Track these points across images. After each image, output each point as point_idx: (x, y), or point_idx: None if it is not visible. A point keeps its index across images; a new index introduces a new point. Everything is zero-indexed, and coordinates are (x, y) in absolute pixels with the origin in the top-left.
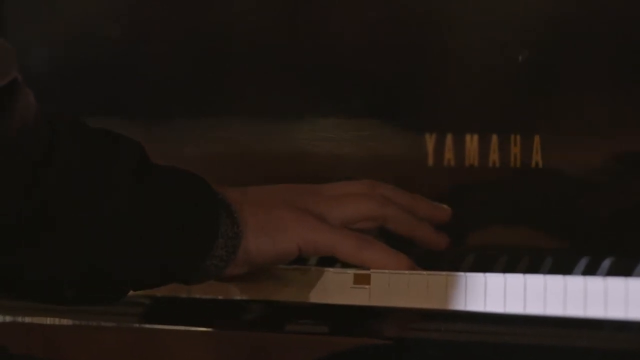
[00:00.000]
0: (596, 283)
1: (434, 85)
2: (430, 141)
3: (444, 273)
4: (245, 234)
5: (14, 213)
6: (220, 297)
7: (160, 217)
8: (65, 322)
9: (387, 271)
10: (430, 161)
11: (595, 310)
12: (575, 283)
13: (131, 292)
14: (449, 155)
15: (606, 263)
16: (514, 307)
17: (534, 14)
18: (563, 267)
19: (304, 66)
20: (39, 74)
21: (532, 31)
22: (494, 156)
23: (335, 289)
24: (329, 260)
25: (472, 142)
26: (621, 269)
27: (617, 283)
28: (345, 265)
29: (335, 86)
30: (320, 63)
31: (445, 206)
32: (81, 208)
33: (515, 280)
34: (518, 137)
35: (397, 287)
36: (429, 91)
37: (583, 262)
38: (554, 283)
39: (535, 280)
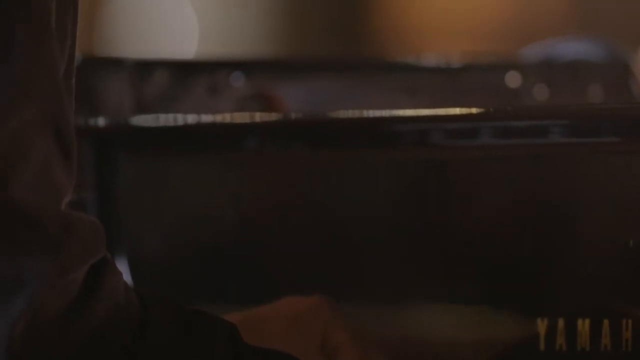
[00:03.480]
0: None
1: (546, 270)
2: (542, 326)
3: None
4: None
5: None
6: None
7: None
8: None
9: None
10: (542, 346)
11: None
12: None
13: None
14: (560, 339)
15: None
16: None
17: None
18: None
19: (418, 252)
20: (152, 259)
21: None
22: (605, 340)
23: None
24: None
25: (583, 327)
26: None
27: None
28: None
29: (448, 272)
30: (435, 249)
31: None
32: None
33: None
34: (630, 322)
35: None
36: (541, 276)
37: None
38: None
39: None
